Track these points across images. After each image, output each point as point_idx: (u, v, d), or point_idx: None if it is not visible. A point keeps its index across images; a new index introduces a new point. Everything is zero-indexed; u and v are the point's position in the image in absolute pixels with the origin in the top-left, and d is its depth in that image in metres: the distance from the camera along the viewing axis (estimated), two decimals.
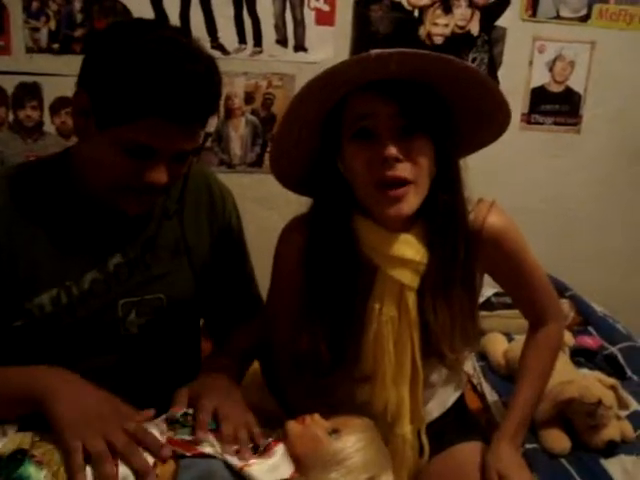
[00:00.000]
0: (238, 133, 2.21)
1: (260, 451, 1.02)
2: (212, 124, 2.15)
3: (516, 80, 2.32)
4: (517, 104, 2.34)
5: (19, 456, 0.91)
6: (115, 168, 1.05)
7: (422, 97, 1.07)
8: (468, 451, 1.31)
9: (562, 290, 2.30)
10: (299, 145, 1.14)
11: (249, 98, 2.18)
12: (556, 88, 2.37)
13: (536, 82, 2.35)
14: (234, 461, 0.98)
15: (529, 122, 2.37)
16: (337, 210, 1.15)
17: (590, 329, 2.12)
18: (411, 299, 1.15)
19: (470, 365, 1.89)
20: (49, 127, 2.10)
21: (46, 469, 0.91)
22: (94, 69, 1.04)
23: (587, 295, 2.27)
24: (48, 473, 0.91)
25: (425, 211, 1.13)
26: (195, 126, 1.07)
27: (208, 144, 2.19)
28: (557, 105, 2.38)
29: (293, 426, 1.08)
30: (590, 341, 2.00)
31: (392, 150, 1.04)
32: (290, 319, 1.24)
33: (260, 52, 2.14)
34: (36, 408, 0.99)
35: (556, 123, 2.40)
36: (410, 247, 1.13)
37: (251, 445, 1.03)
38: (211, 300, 1.34)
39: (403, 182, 1.07)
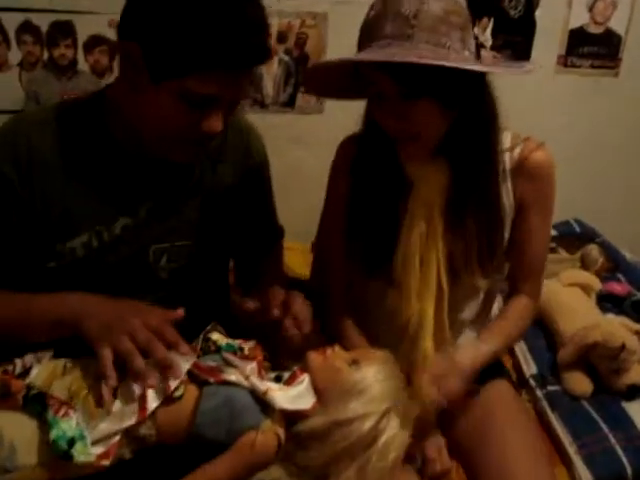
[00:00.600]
0: (271, 73, 2.19)
1: (285, 380, 1.05)
2: None
3: (554, 21, 2.27)
4: (554, 45, 2.30)
5: (38, 408, 0.95)
6: (173, 119, 1.03)
7: (415, 67, 1.09)
8: (495, 389, 1.35)
9: (592, 236, 2.31)
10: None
11: (282, 37, 2.16)
12: (595, 29, 2.31)
13: (575, 23, 2.29)
14: (258, 386, 1.01)
15: (565, 64, 2.32)
16: (382, 143, 1.23)
17: (619, 275, 2.12)
18: (437, 216, 1.24)
19: (497, 308, 1.91)
20: (83, 65, 2.10)
21: (73, 414, 0.96)
22: (146, 19, 0.99)
23: (617, 242, 2.27)
24: (75, 414, 0.96)
25: (452, 142, 1.21)
26: (253, 71, 1.08)
27: None
28: (596, 47, 2.33)
29: (314, 357, 1.09)
30: (618, 287, 2.00)
31: (393, 115, 1.14)
32: (340, 231, 1.33)
33: None
34: (71, 331, 1.03)
35: (594, 66, 2.35)
36: (440, 169, 1.23)
37: (275, 374, 1.06)
38: (238, 239, 1.37)
39: (411, 138, 1.16)
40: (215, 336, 1.08)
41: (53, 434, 0.92)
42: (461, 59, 1.09)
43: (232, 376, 1.01)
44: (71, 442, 0.93)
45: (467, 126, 1.19)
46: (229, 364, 1.03)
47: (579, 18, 2.29)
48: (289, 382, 1.05)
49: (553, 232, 2.37)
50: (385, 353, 1.14)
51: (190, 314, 1.24)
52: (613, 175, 2.55)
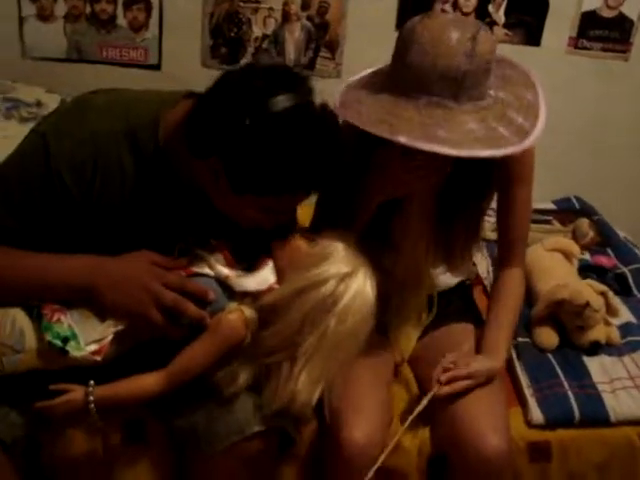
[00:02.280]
0: (293, 37, 2.33)
1: (252, 267, 1.16)
2: None
3: (567, 2, 2.32)
4: (565, 27, 2.35)
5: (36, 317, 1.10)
6: (247, 219, 1.12)
7: None
8: (467, 329, 1.51)
9: (589, 213, 2.39)
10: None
11: (305, 5, 2.29)
12: (608, 13, 2.35)
13: (588, 6, 2.34)
14: (220, 273, 1.13)
15: (576, 47, 2.37)
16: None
17: (608, 250, 2.20)
18: (428, 201, 1.38)
19: (484, 267, 2.02)
20: (121, 21, 2.28)
21: (64, 318, 1.09)
22: (225, 137, 1.00)
23: (615, 221, 2.34)
24: (67, 318, 1.10)
25: None
26: None
27: (265, 45, 2.34)
28: (607, 31, 2.37)
29: (277, 241, 1.16)
30: (605, 260, 2.09)
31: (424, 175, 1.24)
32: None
33: None
34: (83, 297, 1.11)
35: (604, 49, 2.39)
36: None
37: (246, 264, 1.17)
38: None
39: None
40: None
41: (48, 336, 1.07)
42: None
43: (200, 268, 1.14)
44: (65, 340, 1.07)
45: None
46: (198, 258, 1.16)
47: (592, 1, 2.34)
48: (255, 268, 1.16)
49: (552, 206, 2.48)
50: (345, 233, 1.16)
51: None
52: (617, 157, 2.61)
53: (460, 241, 1.43)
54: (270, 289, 1.12)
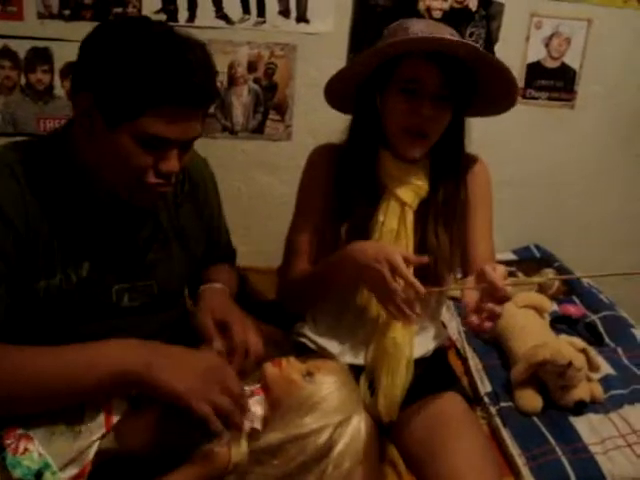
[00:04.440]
0: (241, 100, 2.28)
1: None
2: None
3: (512, 55, 2.35)
4: None
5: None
6: (131, 163, 1.07)
7: (460, 71, 1.30)
8: (448, 401, 1.42)
9: (550, 261, 2.39)
10: (352, 69, 1.39)
11: (252, 67, 2.24)
12: (552, 64, 2.41)
13: (532, 57, 2.39)
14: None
15: (524, 96, 2.41)
16: (367, 142, 1.40)
17: (574, 298, 2.21)
18: (409, 216, 1.38)
19: (455, 329, 1.97)
20: (59, 91, 2.18)
21: (33, 446, 0.98)
22: (94, 70, 1.05)
23: (576, 267, 2.35)
24: (35, 445, 0.98)
25: (433, 152, 1.40)
26: (201, 111, 1.11)
27: (211, 110, 2.27)
28: (552, 81, 2.42)
29: (270, 369, 1.15)
30: (573, 309, 2.08)
31: (428, 111, 1.30)
32: (314, 224, 1.44)
33: (263, 22, 2.20)
34: (127, 385, 1.04)
35: (551, 98, 2.45)
36: (415, 175, 1.39)
37: None
38: (197, 268, 1.41)
39: (423, 135, 1.33)
40: None
41: (18, 473, 0.94)
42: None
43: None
44: (38, 475, 0.95)
45: (451, 138, 1.38)
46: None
47: (536, 53, 2.39)
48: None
49: (513, 256, 2.47)
50: (338, 363, 1.20)
51: (154, 331, 1.27)
52: (571, 203, 2.64)
53: (444, 247, 1.41)
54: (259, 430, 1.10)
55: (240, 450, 1.06)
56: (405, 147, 1.36)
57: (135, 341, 1.08)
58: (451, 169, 1.43)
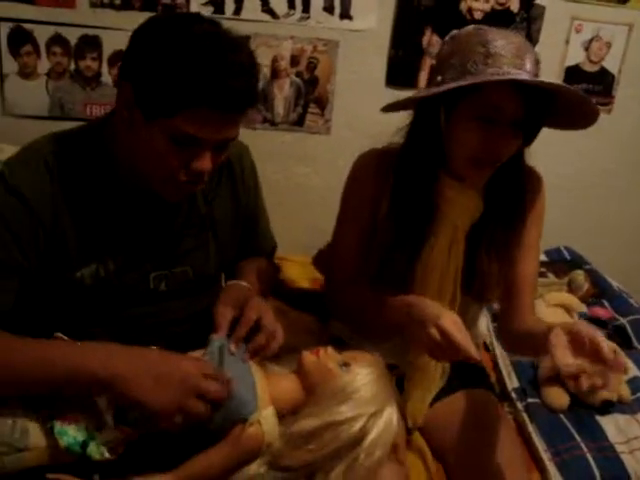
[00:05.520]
0: (282, 93, 2.32)
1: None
2: None
3: (552, 58, 2.37)
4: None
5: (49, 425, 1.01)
6: (164, 158, 1.08)
7: (540, 103, 1.22)
8: (478, 398, 1.45)
9: (580, 263, 2.40)
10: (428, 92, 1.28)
11: (294, 61, 2.29)
12: (590, 68, 2.42)
13: (571, 61, 2.40)
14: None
15: None
16: (426, 165, 1.32)
17: (604, 301, 2.21)
18: (461, 238, 1.35)
19: (484, 325, 1.99)
20: (106, 77, 2.24)
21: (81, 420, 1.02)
22: (138, 62, 1.07)
23: (605, 269, 2.36)
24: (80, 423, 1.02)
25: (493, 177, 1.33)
26: (237, 115, 1.09)
27: None
28: (590, 84, 2.43)
29: (307, 357, 1.16)
30: (602, 312, 2.10)
31: (507, 141, 1.23)
32: (358, 236, 1.41)
33: (307, 18, 2.24)
34: (84, 384, 1.02)
35: None
36: (470, 194, 1.34)
37: None
38: (234, 258, 1.43)
39: (495, 162, 1.27)
40: None
41: (64, 441, 0.98)
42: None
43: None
44: (84, 445, 0.99)
45: (511, 164, 1.31)
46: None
47: (576, 56, 2.40)
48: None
49: (543, 257, 2.48)
50: (375, 355, 1.20)
51: (190, 314, 1.32)
52: (606, 207, 2.65)
53: (493, 272, 1.39)
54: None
55: (273, 431, 1.09)
56: (471, 174, 1.31)
57: (109, 345, 1.06)
58: (511, 188, 1.36)
